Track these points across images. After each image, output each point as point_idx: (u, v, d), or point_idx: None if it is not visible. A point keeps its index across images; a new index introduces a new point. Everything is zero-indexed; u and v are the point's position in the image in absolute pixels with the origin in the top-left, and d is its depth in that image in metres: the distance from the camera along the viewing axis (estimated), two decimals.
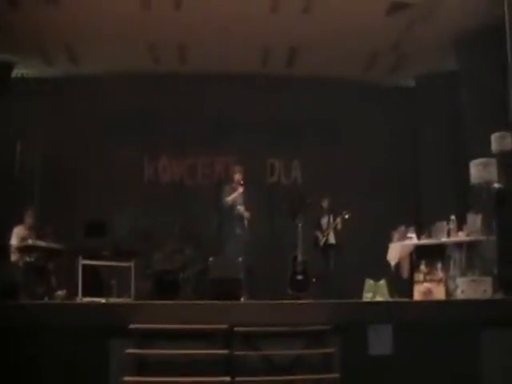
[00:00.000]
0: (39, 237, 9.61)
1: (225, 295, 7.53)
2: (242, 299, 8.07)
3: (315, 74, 12.17)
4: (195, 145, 12.70)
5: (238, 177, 9.62)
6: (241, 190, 9.51)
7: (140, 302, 8.28)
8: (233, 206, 9.53)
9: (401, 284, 9.20)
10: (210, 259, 8.23)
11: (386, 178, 12.32)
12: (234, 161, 11.77)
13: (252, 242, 9.58)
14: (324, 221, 10.53)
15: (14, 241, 9.68)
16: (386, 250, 9.94)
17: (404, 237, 9.75)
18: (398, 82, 12.91)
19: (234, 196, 9.52)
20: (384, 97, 12.70)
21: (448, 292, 8.15)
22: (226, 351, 6.74)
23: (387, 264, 9.73)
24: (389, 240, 10.10)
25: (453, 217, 8.84)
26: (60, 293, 9.16)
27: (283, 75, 12.37)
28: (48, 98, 12.55)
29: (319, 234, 10.48)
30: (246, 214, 9.45)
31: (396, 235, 10.06)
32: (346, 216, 10.17)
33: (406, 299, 8.37)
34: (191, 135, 12.67)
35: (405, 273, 9.41)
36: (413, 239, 9.40)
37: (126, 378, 6.56)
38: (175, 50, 11.58)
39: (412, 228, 9.69)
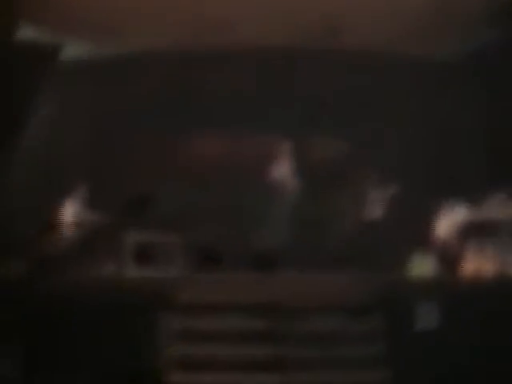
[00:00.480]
0: (90, 212, 9.81)
1: (269, 267, 7.56)
2: (287, 272, 8.07)
3: (358, 46, 11.93)
4: (239, 121, 12.67)
5: (282, 151, 9.67)
6: (286, 164, 9.56)
7: (187, 275, 8.36)
8: (278, 181, 9.58)
9: (450, 259, 9.05)
10: (254, 232, 8.26)
11: (435, 150, 12.07)
12: (277, 137, 11.72)
13: (296, 216, 9.59)
14: (370, 194, 10.41)
15: (65, 217, 9.89)
16: (434, 224, 9.79)
17: (454, 211, 9.59)
18: (443, 54, 12.56)
19: (280, 171, 9.55)
20: (433, 68, 12.39)
21: (499, 267, 7.98)
22: (269, 324, 6.76)
23: (436, 239, 9.58)
24: (438, 215, 9.93)
25: (505, 191, 8.64)
26: (109, 267, 9.33)
27: (325, 48, 12.17)
28: (95, 77, 12.70)
29: (364, 207, 10.36)
30: (292, 188, 9.50)
31: (446, 210, 9.89)
32: (393, 189, 10.01)
33: (454, 275, 8.24)
34: (235, 112, 12.64)
35: (454, 248, 9.25)
36: (463, 214, 9.23)
37: (173, 350, 6.65)
38: (219, 25, 11.49)
39: (462, 202, 9.50)
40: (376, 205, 10.28)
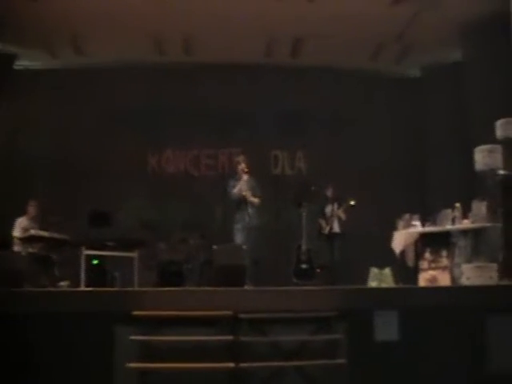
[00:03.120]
0: (43, 228, 9.62)
1: (229, 282, 7.49)
2: (246, 287, 8.04)
3: (320, 63, 12.13)
4: (199, 136, 12.69)
5: (241, 166, 9.68)
6: (245, 177, 9.55)
7: (144, 288, 8.26)
8: (239, 196, 9.57)
9: (406, 272, 9.16)
10: (215, 247, 8.20)
11: (390, 166, 12.28)
12: (237, 152, 11.76)
13: (257, 231, 9.60)
14: (328, 209, 10.50)
15: (16, 232, 9.70)
16: (390, 238, 9.90)
17: (409, 225, 9.70)
18: (403, 71, 12.82)
19: (240, 186, 9.56)
20: (389, 86, 12.64)
21: (453, 279, 8.10)
22: (230, 337, 6.72)
23: (392, 252, 9.68)
24: (393, 228, 10.05)
25: (458, 204, 8.79)
26: (63, 284, 9.16)
27: (287, 65, 12.32)
28: (51, 89, 12.56)
29: (323, 223, 10.45)
30: (254, 200, 9.50)
31: (401, 223, 10.00)
32: (351, 203, 10.12)
33: (411, 286, 8.33)
34: (195, 127, 12.67)
35: (410, 261, 9.35)
36: (417, 227, 9.34)
37: (130, 365, 6.55)
38: (180, 41, 11.54)
39: (417, 216, 9.63)
40: (334, 219, 10.37)
